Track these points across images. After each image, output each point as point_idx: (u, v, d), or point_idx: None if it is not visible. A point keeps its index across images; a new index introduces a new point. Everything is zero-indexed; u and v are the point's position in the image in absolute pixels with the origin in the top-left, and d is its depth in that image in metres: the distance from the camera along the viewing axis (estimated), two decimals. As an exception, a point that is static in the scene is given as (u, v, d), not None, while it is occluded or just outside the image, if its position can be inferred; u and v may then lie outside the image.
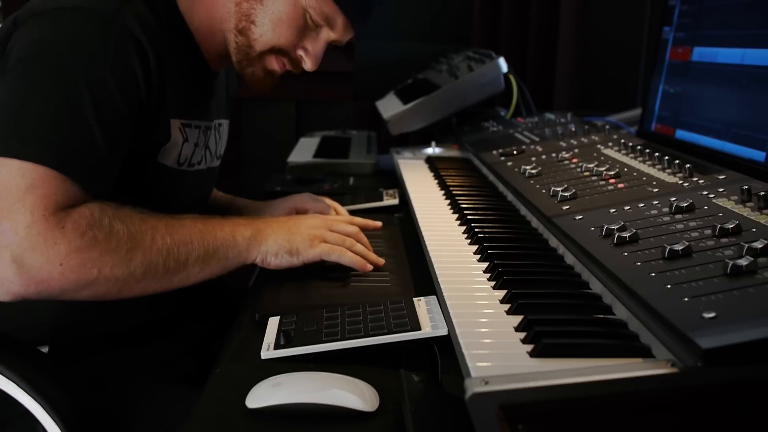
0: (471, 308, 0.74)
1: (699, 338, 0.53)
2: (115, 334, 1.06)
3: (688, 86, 1.15)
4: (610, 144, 1.23)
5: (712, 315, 0.55)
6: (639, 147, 1.13)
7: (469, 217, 1.07)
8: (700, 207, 0.81)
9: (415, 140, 1.98)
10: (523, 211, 1.11)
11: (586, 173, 1.07)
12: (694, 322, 0.55)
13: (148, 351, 1.08)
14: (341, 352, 0.77)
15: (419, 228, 1.09)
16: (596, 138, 1.30)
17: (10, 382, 0.85)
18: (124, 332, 1.07)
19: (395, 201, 1.41)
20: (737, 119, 1.00)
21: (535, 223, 1.05)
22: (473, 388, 0.53)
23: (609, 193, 0.95)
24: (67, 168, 0.84)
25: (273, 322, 0.84)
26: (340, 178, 1.72)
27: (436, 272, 0.87)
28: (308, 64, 1.09)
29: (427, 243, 1.00)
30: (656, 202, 0.86)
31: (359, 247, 1.02)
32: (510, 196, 1.20)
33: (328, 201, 1.28)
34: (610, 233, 0.78)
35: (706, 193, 0.85)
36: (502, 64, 1.74)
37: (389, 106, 1.93)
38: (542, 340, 0.62)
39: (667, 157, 1.01)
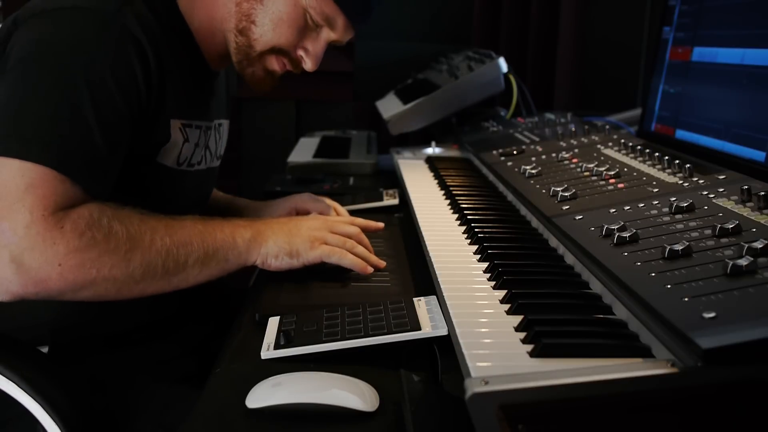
0: (471, 308, 0.74)
1: (699, 338, 0.53)
2: (115, 335, 1.06)
3: (688, 86, 1.15)
4: (610, 144, 1.23)
5: (712, 315, 0.55)
6: (639, 147, 1.13)
7: (469, 217, 1.07)
8: (700, 207, 0.81)
9: (415, 140, 1.98)
10: (523, 211, 1.11)
11: (586, 173, 1.07)
12: (694, 322, 0.55)
13: (148, 351, 1.08)
14: (341, 352, 0.77)
15: (419, 228, 1.09)
16: (596, 138, 1.30)
17: (10, 382, 0.85)
18: (124, 332, 1.07)
19: (395, 201, 1.41)
20: (737, 119, 1.00)
21: (535, 223, 1.05)
22: (473, 388, 0.53)
23: (609, 193, 0.95)
24: (67, 168, 0.84)
25: (273, 322, 0.84)
26: (340, 178, 1.72)
27: (436, 272, 0.87)
28: (308, 64, 1.09)
29: (427, 243, 1.00)
30: (656, 202, 0.86)
31: (360, 249, 1.02)
32: (510, 196, 1.20)
33: (328, 201, 1.28)
34: (610, 233, 0.78)
35: (706, 193, 0.85)
36: (502, 64, 1.74)
37: (389, 106, 1.93)
38: (542, 340, 0.62)
39: (667, 157, 1.01)
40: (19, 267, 0.80)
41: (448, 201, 1.24)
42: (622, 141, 1.20)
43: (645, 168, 1.03)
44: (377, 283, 0.98)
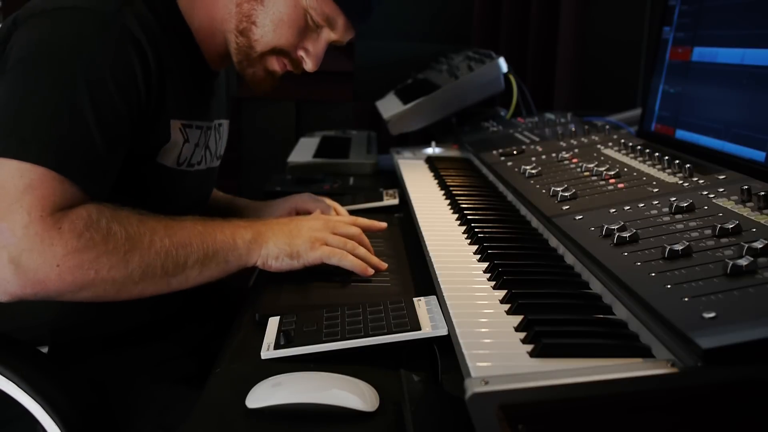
0: (471, 308, 0.74)
1: (699, 338, 0.53)
2: (114, 335, 1.06)
3: (688, 86, 1.15)
4: (610, 144, 1.23)
5: (712, 315, 0.55)
6: (639, 147, 1.13)
7: (469, 217, 1.07)
8: (700, 207, 0.81)
9: (415, 140, 1.98)
10: (523, 211, 1.11)
11: (586, 173, 1.07)
12: (694, 322, 0.55)
13: (148, 351, 1.08)
14: (341, 352, 0.77)
15: (419, 228, 1.09)
16: (596, 138, 1.30)
17: (10, 382, 0.85)
18: (124, 333, 1.07)
19: (395, 201, 1.41)
20: (737, 119, 1.00)
21: (535, 223, 1.05)
22: (473, 388, 0.53)
23: (609, 193, 0.95)
24: (66, 169, 0.84)
25: (273, 322, 0.84)
26: (340, 178, 1.72)
27: (436, 272, 0.87)
28: (309, 65, 1.08)
29: (427, 243, 1.00)
30: (656, 202, 0.86)
31: (361, 251, 1.01)
32: (510, 196, 1.20)
33: (328, 201, 1.28)
34: (610, 233, 0.78)
35: (706, 193, 0.85)
36: (502, 64, 1.74)
37: (389, 106, 1.93)
38: (542, 340, 0.62)
39: (667, 157, 1.01)
40: (17, 268, 0.80)
41: (448, 201, 1.24)
42: (622, 141, 1.20)
43: (645, 168, 1.03)
44: (377, 283, 0.98)
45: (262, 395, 0.68)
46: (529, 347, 0.63)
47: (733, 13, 1.06)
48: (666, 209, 0.82)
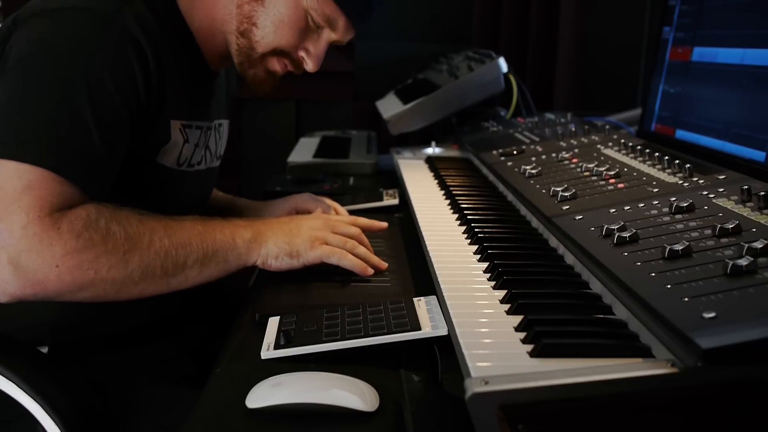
0: (471, 308, 0.74)
1: (699, 338, 0.53)
2: (114, 335, 1.06)
3: (688, 86, 1.15)
4: (610, 144, 1.23)
5: (712, 315, 0.55)
6: (639, 147, 1.13)
7: (469, 217, 1.07)
8: (700, 207, 0.81)
9: (415, 140, 1.98)
10: (523, 211, 1.11)
11: (586, 173, 1.07)
12: (694, 322, 0.55)
13: (148, 351, 1.08)
14: (341, 352, 0.77)
15: (419, 228, 1.09)
16: (596, 138, 1.30)
17: (10, 382, 0.85)
18: (124, 333, 1.07)
19: (395, 201, 1.41)
20: (737, 119, 1.00)
21: (535, 223, 1.05)
22: (473, 388, 0.53)
23: (609, 193, 0.95)
24: (65, 169, 0.83)
25: (273, 322, 0.84)
26: (340, 178, 1.72)
27: (436, 272, 0.87)
28: (310, 65, 1.08)
29: (427, 243, 1.00)
30: (656, 202, 0.86)
31: (361, 250, 1.01)
32: (510, 196, 1.20)
33: (328, 201, 1.28)
34: (610, 233, 0.78)
35: (706, 193, 0.85)
36: (502, 64, 1.74)
37: (389, 106, 1.93)
38: (542, 340, 0.62)
39: (667, 157, 1.01)
40: (16, 268, 0.80)
41: (448, 201, 1.24)
42: (622, 141, 1.20)
43: (645, 168, 1.03)
44: (377, 283, 0.98)
45: (262, 395, 0.68)
46: (529, 347, 0.63)
47: (733, 13, 1.06)
48: (666, 209, 0.82)
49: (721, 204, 0.81)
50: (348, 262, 0.98)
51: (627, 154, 1.13)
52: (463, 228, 1.05)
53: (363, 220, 1.13)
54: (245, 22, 1.03)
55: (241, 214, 1.30)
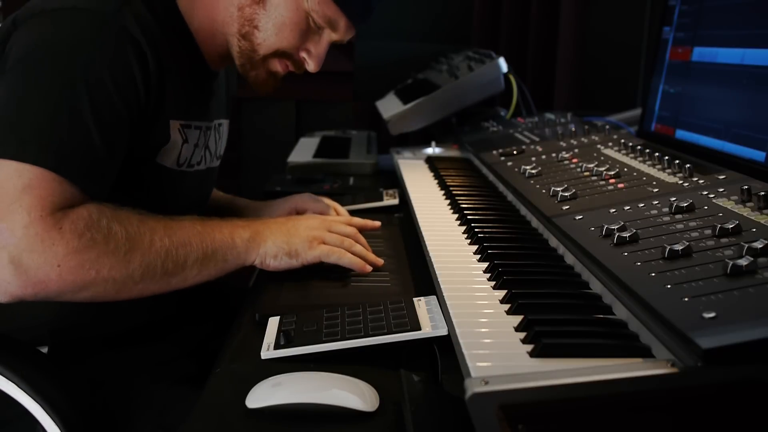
0: (471, 308, 0.74)
1: (699, 338, 0.53)
2: (114, 335, 1.06)
3: (688, 86, 1.15)
4: (610, 144, 1.23)
5: (712, 315, 0.55)
6: (639, 147, 1.13)
7: (469, 217, 1.07)
8: (700, 207, 0.81)
9: (415, 140, 1.98)
10: (523, 211, 1.11)
11: (586, 173, 1.07)
12: (694, 322, 0.55)
13: (148, 351, 1.08)
14: (341, 352, 0.77)
15: (419, 228, 1.09)
16: (596, 138, 1.30)
17: (10, 382, 0.85)
18: (124, 333, 1.07)
19: (395, 201, 1.41)
20: (737, 119, 1.00)
21: (535, 223, 1.05)
22: (473, 388, 0.53)
23: (609, 193, 0.95)
24: (65, 169, 0.83)
25: (273, 322, 0.84)
26: (340, 178, 1.72)
27: (436, 272, 0.87)
28: (311, 66, 1.09)
29: (427, 243, 1.00)
30: (656, 202, 0.86)
31: (358, 248, 1.02)
32: (510, 196, 1.20)
33: (328, 201, 1.28)
34: (610, 233, 0.78)
35: (706, 193, 0.85)
36: (502, 64, 1.74)
37: (389, 106, 1.93)
38: (542, 340, 0.62)
39: (667, 157, 1.01)
40: (17, 268, 0.80)
41: (448, 201, 1.24)
42: (622, 141, 1.20)
43: (645, 168, 1.03)
44: (377, 283, 0.98)
45: (262, 395, 0.68)
46: (529, 347, 0.63)
47: (733, 13, 1.06)
48: (666, 209, 0.82)
49: (721, 204, 0.81)
50: (347, 260, 0.99)
51: (627, 154, 1.13)
52: (463, 228, 1.05)
53: (357, 220, 1.15)
54: (247, 25, 1.03)
55: (241, 214, 1.30)
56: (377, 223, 1.18)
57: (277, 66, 1.08)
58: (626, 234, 0.76)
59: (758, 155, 0.93)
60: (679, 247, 0.68)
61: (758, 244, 0.65)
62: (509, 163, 1.27)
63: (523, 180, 1.14)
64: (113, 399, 0.97)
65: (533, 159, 1.25)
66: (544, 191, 1.03)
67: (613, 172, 1.01)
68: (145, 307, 0.94)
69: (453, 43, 2.39)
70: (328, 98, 2.68)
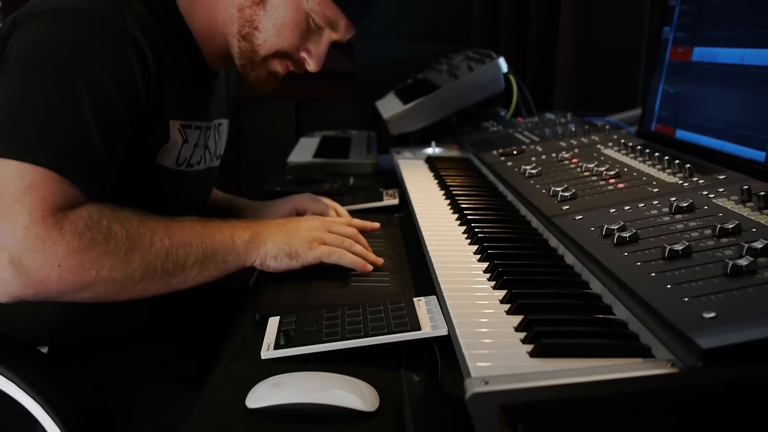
0: (471, 308, 0.74)
1: (699, 338, 0.53)
2: (114, 335, 1.06)
3: (688, 86, 1.15)
4: (610, 144, 1.23)
5: (712, 315, 0.55)
6: (639, 147, 1.13)
7: (469, 217, 1.07)
8: (700, 207, 0.81)
9: (415, 140, 1.98)
10: (523, 211, 1.11)
11: (586, 173, 1.07)
12: (694, 322, 0.55)
13: (148, 352, 1.08)
14: (341, 352, 0.77)
15: (419, 228, 1.09)
16: (596, 138, 1.30)
17: (10, 382, 0.85)
18: (124, 333, 1.07)
19: (395, 201, 1.41)
20: (737, 119, 1.00)
21: (535, 223, 1.05)
22: (473, 388, 0.53)
23: (609, 193, 0.95)
24: (66, 169, 0.83)
25: (273, 322, 0.84)
26: (340, 178, 1.72)
27: (436, 272, 0.87)
28: (312, 65, 1.09)
29: (427, 243, 1.00)
30: (656, 202, 0.86)
31: (358, 248, 1.02)
32: (510, 196, 1.20)
33: (328, 201, 1.28)
34: (610, 233, 0.78)
35: (706, 193, 0.85)
36: (502, 64, 1.74)
37: (389, 106, 1.93)
38: (542, 340, 0.62)
39: (667, 157, 1.01)
40: (18, 268, 0.80)
41: (448, 201, 1.24)
42: (622, 141, 1.20)
43: (645, 168, 1.03)
44: (377, 283, 0.98)
45: (262, 395, 0.68)
46: (529, 347, 0.63)
47: (733, 13, 1.06)
48: (666, 209, 0.82)
49: (721, 204, 0.81)
50: (348, 260, 0.99)
51: (627, 154, 1.13)
52: (463, 228, 1.05)
53: (356, 221, 1.15)
54: (247, 26, 1.03)
55: (241, 214, 1.30)
56: (376, 225, 1.18)
57: (278, 66, 1.08)
58: (626, 234, 0.76)
59: (758, 155, 0.93)
60: (679, 247, 0.68)
61: (758, 244, 0.65)
62: (509, 163, 1.27)
63: (523, 180, 1.14)
64: (113, 399, 0.97)
65: (533, 159, 1.25)
66: (544, 191, 1.03)
67: (613, 172, 1.01)
68: (145, 307, 0.94)
69: (453, 43, 2.39)
70: (328, 98, 2.68)
